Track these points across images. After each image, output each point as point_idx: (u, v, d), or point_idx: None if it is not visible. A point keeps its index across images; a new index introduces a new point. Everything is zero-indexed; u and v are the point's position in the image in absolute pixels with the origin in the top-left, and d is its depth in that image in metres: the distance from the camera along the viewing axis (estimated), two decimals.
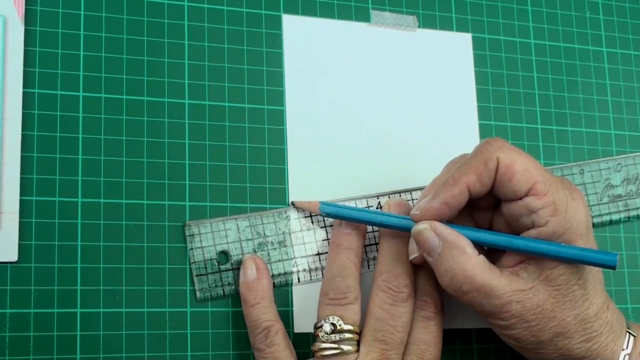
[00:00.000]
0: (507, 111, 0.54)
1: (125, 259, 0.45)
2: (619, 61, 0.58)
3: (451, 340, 0.50)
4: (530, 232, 0.43)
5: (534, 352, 0.45)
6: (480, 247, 0.44)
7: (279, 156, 0.49)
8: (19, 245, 0.43)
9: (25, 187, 0.44)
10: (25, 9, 0.45)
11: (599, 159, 0.55)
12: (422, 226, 0.44)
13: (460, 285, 0.43)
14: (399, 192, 0.50)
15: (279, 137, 0.49)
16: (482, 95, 0.54)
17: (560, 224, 0.43)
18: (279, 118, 0.49)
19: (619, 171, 0.55)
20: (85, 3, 0.47)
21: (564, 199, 0.43)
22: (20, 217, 0.43)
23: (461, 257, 0.43)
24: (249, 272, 0.46)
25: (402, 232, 0.46)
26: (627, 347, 0.45)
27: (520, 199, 0.43)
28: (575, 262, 0.43)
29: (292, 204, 0.48)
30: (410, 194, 0.50)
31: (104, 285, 0.44)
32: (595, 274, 0.44)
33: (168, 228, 0.46)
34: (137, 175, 0.46)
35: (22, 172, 0.44)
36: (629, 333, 0.46)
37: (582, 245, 0.43)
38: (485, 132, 0.53)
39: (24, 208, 0.44)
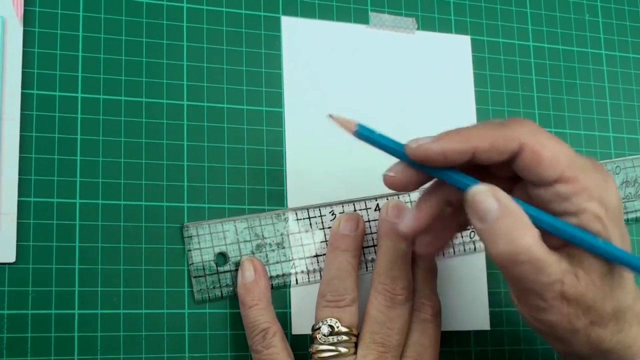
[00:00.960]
0: (505, 113, 0.54)
1: (123, 260, 0.45)
2: (617, 64, 0.58)
3: (449, 342, 0.50)
4: (570, 219, 0.40)
5: (566, 341, 0.42)
6: None
7: (278, 158, 0.49)
8: (17, 246, 0.43)
9: (23, 188, 0.44)
10: (24, 9, 0.45)
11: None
12: (481, 188, 0.40)
13: (516, 254, 0.39)
14: (398, 194, 0.50)
15: (278, 138, 0.49)
16: (480, 98, 0.54)
17: (596, 210, 0.40)
18: (277, 120, 0.49)
19: (617, 174, 0.55)
20: (84, 4, 0.47)
21: (597, 184, 0.40)
22: (18, 218, 0.43)
23: (521, 225, 0.39)
24: (247, 273, 0.46)
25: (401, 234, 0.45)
26: None
27: (550, 185, 0.40)
28: (616, 262, 0.41)
29: (330, 116, 0.42)
30: (409, 195, 0.50)
31: (101, 287, 0.44)
32: None
33: (166, 229, 0.46)
34: (135, 177, 0.46)
35: (20, 173, 0.44)
36: None
37: (617, 233, 0.41)
38: None
39: (22, 209, 0.44)
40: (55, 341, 0.43)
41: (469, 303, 0.51)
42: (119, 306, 0.44)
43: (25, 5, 0.45)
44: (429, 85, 0.53)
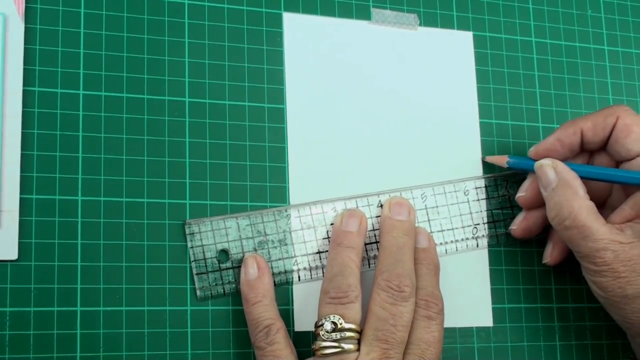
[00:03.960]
0: (508, 109, 0.54)
1: (126, 257, 0.45)
2: (620, 59, 0.58)
3: (452, 339, 0.50)
4: None
5: (618, 307, 0.46)
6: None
7: (280, 154, 0.49)
8: (19, 243, 0.43)
9: (25, 185, 0.44)
10: (26, 6, 0.45)
11: None
12: (545, 161, 0.48)
13: (564, 219, 0.46)
14: (400, 191, 0.50)
15: (280, 135, 0.49)
16: (483, 94, 0.54)
17: None
18: (279, 116, 0.49)
19: None
20: (86, 1, 0.47)
21: None
22: (20, 215, 0.43)
23: (572, 195, 0.46)
24: (251, 270, 0.46)
25: (405, 231, 0.47)
26: None
27: (633, 159, 0.47)
28: None
29: (484, 160, 0.52)
30: (411, 192, 0.50)
31: (104, 284, 0.44)
32: None
33: (168, 226, 0.46)
34: (137, 174, 0.46)
35: (22, 170, 0.44)
36: None
37: None
38: (486, 130, 0.53)
39: (24, 206, 0.44)
40: (57, 338, 0.43)
41: (472, 299, 0.51)
42: (122, 303, 0.44)
43: (26, 2, 0.45)
44: (431, 81, 0.53)
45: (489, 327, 0.51)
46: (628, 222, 0.47)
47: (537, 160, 0.49)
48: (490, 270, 0.52)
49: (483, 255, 0.52)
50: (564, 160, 0.48)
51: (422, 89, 0.53)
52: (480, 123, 0.53)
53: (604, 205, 0.51)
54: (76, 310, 0.44)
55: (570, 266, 0.53)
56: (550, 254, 0.51)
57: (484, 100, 0.54)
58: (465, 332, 0.50)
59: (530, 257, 0.53)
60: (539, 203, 0.49)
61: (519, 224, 0.51)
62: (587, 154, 0.51)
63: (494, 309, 0.51)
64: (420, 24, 0.54)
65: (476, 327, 0.51)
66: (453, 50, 0.54)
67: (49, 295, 0.43)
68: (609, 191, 0.51)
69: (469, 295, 0.51)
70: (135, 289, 0.45)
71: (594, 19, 0.58)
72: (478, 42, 0.55)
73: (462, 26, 0.54)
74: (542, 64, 0.56)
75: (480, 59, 0.54)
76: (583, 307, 0.53)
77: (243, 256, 0.46)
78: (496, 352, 0.51)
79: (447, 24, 0.54)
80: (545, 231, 0.51)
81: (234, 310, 0.46)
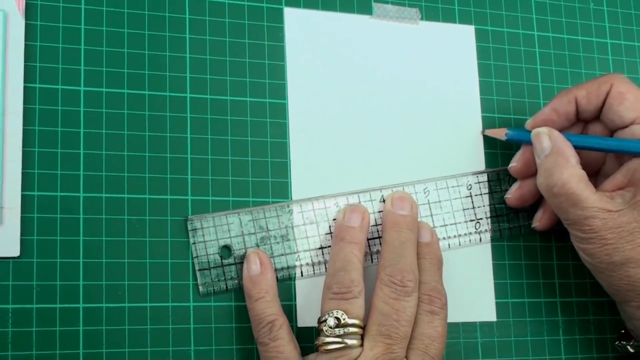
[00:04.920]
0: (510, 103, 0.54)
1: (128, 254, 0.45)
2: (622, 53, 0.58)
3: (455, 334, 0.50)
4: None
5: (605, 273, 0.47)
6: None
7: (282, 150, 0.49)
8: (21, 240, 0.43)
9: (27, 182, 0.44)
10: (26, 3, 0.45)
11: None
12: (541, 129, 0.48)
13: (552, 186, 0.46)
14: (402, 185, 0.50)
15: (282, 130, 0.49)
16: (485, 88, 0.54)
17: None
18: (281, 111, 0.49)
19: None
20: None
21: None
22: (22, 212, 0.43)
23: (562, 162, 0.46)
24: (253, 266, 0.46)
25: (408, 225, 0.47)
26: None
27: (627, 126, 0.47)
28: None
29: (483, 134, 0.53)
30: (414, 186, 0.50)
31: (106, 280, 0.44)
32: None
33: (170, 222, 0.46)
34: (139, 170, 0.46)
35: (24, 167, 0.44)
36: None
37: None
38: (488, 124, 0.53)
39: (26, 203, 0.44)
40: (60, 335, 0.43)
41: (475, 294, 0.51)
42: (124, 299, 0.44)
43: None
44: (433, 75, 0.53)
45: (492, 322, 0.51)
46: (620, 189, 0.47)
47: (531, 128, 0.49)
48: (494, 265, 0.51)
49: (486, 250, 0.52)
50: (561, 130, 0.49)
51: (424, 83, 0.52)
52: (482, 117, 0.53)
53: (598, 173, 0.51)
54: (79, 307, 0.44)
55: (574, 261, 0.53)
56: (540, 219, 0.51)
57: (485, 94, 0.54)
58: (469, 327, 0.50)
59: (534, 252, 0.53)
60: (532, 172, 0.49)
61: (513, 193, 0.51)
62: (582, 124, 0.51)
63: (497, 304, 0.51)
64: (421, 18, 0.53)
65: (480, 322, 0.51)
66: (455, 45, 0.54)
67: (52, 292, 0.43)
68: (603, 160, 0.51)
69: (472, 290, 0.51)
70: (138, 286, 0.45)
71: (597, 12, 0.58)
72: (480, 36, 0.54)
73: (464, 20, 0.54)
74: (544, 58, 0.56)
75: (482, 53, 0.54)
76: (587, 302, 0.53)
77: (245, 252, 0.46)
78: (500, 346, 0.51)
79: (448, 18, 0.54)
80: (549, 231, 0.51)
81: (237, 307, 0.46)
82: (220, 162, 0.47)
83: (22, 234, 0.43)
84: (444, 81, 0.53)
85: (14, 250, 0.43)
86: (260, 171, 0.48)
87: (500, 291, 0.51)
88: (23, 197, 0.44)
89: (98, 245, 0.44)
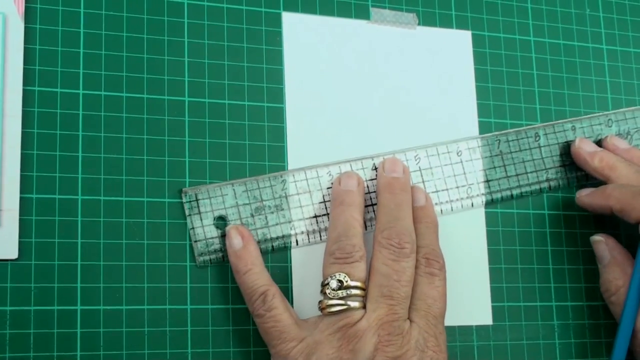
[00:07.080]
0: (506, 109, 0.54)
1: (126, 256, 0.45)
2: (618, 59, 0.58)
3: (452, 337, 0.50)
4: None
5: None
6: None
7: (279, 154, 0.49)
8: (19, 242, 0.43)
9: (25, 184, 0.44)
10: (25, 6, 0.45)
11: (590, 115, 0.55)
12: (597, 238, 0.52)
13: (610, 295, 0.51)
14: (393, 153, 0.50)
15: (279, 135, 0.49)
16: (481, 93, 0.54)
17: None
18: (279, 116, 0.49)
19: (610, 126, 0.55)
20: (85, 1, 0.47)
21: None
22: (20, 215, 0.43)
23: (620, 274, 0.50)
24: (235, 241, 0.46)
25: (402, 187, 0.47)
26: None
27: None
28: None
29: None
30: (405, 154, 0.50)
31: (104, 283, 0.44)
32: None
33: (168, 225, 0.46)
34: (137, 173, 0.46)
35: (22, 169, 0.44)
36: None
37: None
38: (484, 129, 0.53)
39: (24, 205, 0.44)
40: (57, 337, 0.43)
41: (471, 298, 0.51)
42: (122, 302, 0.44)
43: (26, 2, 0.45)
44: (430, 80, 0.53)
45: (488, 326, 0.51)
46: None
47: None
48: (490, 268, 0.52)
49: (483, 253, 0.52)
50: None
51: (421, 88, 0.53)
52: (479, 122, 0.53)
53: None
54: (76, 309, 0.44)
55: (569, 265, 0.53)
56: (588, 195, 0.53)
57: (482, 99, 0.54)
58: (465, 330, 0.51)
59: (530, 255, 0.53)
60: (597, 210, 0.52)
61: (584, 197, 0.53)
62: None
63: (493, 307, 0.51)
64: (419, 24, 0.54)
65: (476, 326, 0.51)
66: (452, 50, 0.54)
67: (49, 294, 0.43)
68: None
69: (468, 294, 0.51)
70: (136, 288, 0.45)
71: (593, 18, 0.58)
72: (477, 42, 0.55)
73: (461, 25, 0.55)
74: (540, 63, 0.56)
75: (478, 58, 0.54)
76: (582, 306, 0.53)
77: (226, 229, 0.46)
78: (496, 350, 0.51)
79: (445, 23, 0.54)
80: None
81: (234, 309, 0.46)
82: (217, 165, 0.48)
83: (20, 236, 0.43)
84: (440, 86, 0.53)
85: (12, 253, 0.43)
86: (258, 173, 0.48)
87: (496, 295, 0.51)
88: (21, 199, 0.44)
89: (96, 248, 0.44)
